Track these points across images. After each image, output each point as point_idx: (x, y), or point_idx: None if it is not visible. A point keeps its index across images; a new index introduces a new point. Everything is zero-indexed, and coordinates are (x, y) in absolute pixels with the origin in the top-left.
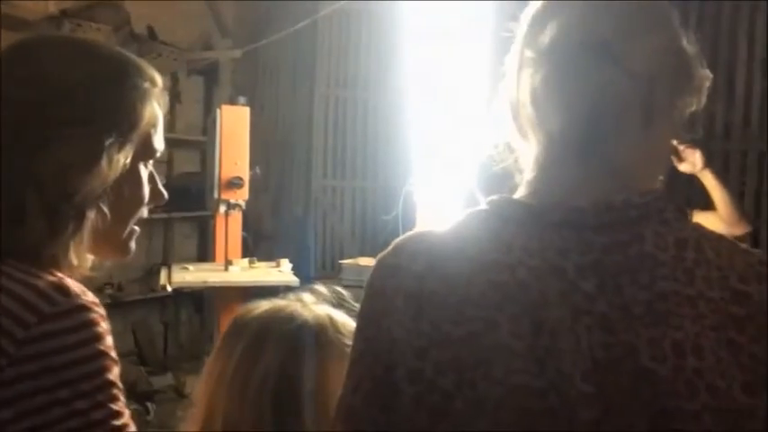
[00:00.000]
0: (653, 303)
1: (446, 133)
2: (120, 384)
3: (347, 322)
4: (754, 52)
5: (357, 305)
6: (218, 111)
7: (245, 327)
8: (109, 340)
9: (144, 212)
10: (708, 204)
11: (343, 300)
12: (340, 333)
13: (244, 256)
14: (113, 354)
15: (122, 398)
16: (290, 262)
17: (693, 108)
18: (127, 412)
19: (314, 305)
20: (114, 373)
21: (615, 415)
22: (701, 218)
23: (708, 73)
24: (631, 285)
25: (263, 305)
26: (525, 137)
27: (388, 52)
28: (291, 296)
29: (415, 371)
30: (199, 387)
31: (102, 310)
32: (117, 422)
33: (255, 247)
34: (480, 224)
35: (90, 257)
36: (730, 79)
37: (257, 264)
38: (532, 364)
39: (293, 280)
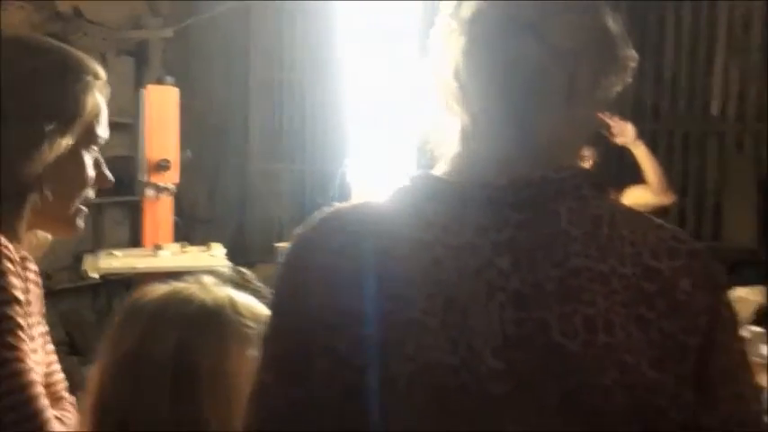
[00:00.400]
0: (565, 280)
1: (382, 115)
2: (20, 321)
3: (250, 304)
4: (681, 37)
5: (265, 286)
6: (142, 91)
7: (140, 310)
8: (11, 280)
9: (90, 194)
10: (637, 180)
11: (248, 281)
12: (240, 315)
13: (176, 240)
14: (16, 293)
15: (22, 334)
16: (227, 246)
17: (618, 87)
18: (25, 347)
19: (214, 287)
20: (14, 310)
21: (526, 390)
22: (633, 191)
23: (633, 53)
24: (545, 262)
25: (161, 288)
26: (450, 111)
27: (324, 34)
28: (191, 279)
29: (329, 347)
30: (92, 373)
31: (11, 254)
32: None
33: (191, 231)
34: (400, 201)
35: (38, 234)
36: (658, 63)
37: (189, 248)
38: (445, 341)
39: (224, 264)
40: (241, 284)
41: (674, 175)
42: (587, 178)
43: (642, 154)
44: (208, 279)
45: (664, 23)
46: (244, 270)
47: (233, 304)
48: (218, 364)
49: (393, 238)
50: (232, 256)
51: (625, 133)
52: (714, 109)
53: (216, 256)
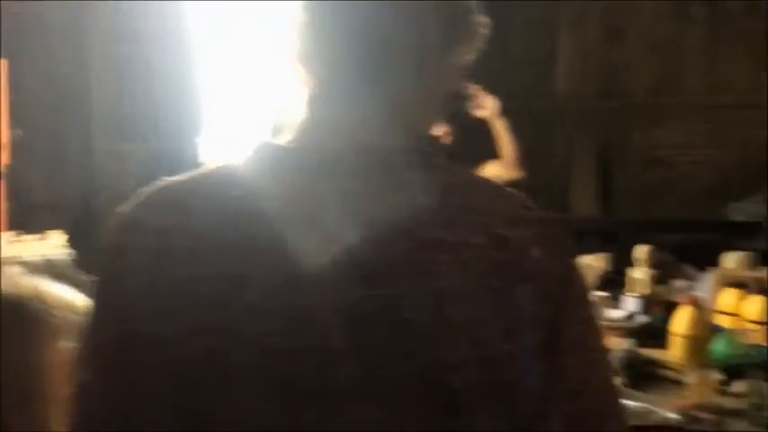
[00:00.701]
0: (416, 252)
1: (235, 87)
2: None
3: (61, 294)
4: (526, 15)
5: (82, 274)
6: None
7: None
8: None
9: None
10: (488, 155)
11: (62, 270)
12: (47, 305)
13: (12, 228)
14: None
15: None
16: (73, 233)
17: (470, 55)
18: None
19: (18, 277)
20: None
21: (378, 372)
22: (487, 166)
23: (484, 19)
24: (394, 234)
25: None
26: (299, 77)
27: (168, 3)
28: None
29: (155, 338)
30: None
31: None
32: None
33: (28, 218)
34: (237, 172)
35: None
36: (503, 40)
37: (23, 237)
38: (286, 324)
39: (61, 253)
40: (55, 274)
41: (522, 150)
42: (439, 147)
43: (500, 129)
44: (13, 270)
45: (509, 1)
46: (59, 258)
47: (39, 295)
48: (21, 356)
49: (225, 213)
50: (78, 242)
51: (487, 106)
52: (558, 86)
53: (53, 244)
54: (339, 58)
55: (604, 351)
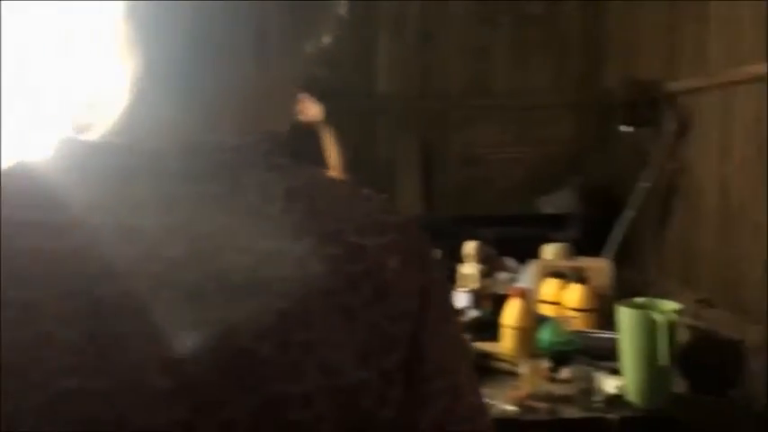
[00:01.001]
0: (254, 268)
1: (36, 80)
2: None
3: None
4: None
5: None
6: None
7: None
8: None
9: None
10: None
11: None
12: None
13: None
14: None
15: None
16: None
17: (320, 42)
18: None
19: None
20: None
21: (208, 412)
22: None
23: (340, 10)
24: (228, 248)
25: None
26: (118, 62)
27: None
28: None
29: None
30: None
31: None
32: None
33: None
34: (33, 174)
35: None
36: (367, 44)
37: None
38: (90, 358)
39: None
40: None
41: (349, 152)
42: (280, 145)
43: (327, 134)
44: None
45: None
46: None
47: None
48: None
49: (13, 224)
50: None
51: (311, 112)
52: (380, 87)
53: None
54: (164, 43)
55: (471, 373)
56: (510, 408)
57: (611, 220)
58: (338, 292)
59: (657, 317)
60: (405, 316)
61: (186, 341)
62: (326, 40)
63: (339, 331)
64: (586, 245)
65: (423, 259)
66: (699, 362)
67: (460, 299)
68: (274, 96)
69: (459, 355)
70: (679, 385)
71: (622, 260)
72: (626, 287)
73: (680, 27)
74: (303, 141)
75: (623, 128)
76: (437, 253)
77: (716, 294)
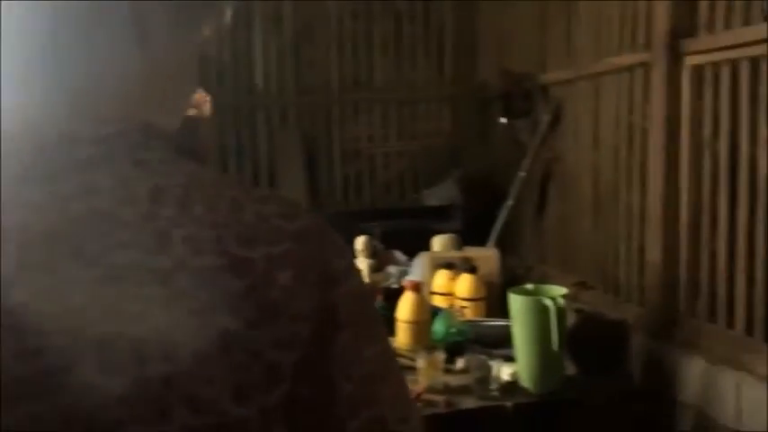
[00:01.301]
0: (103, 285)
1: None
2: None
3: None
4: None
5: None
6: None
7: None
8: None
9: None
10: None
11: None
12: None
13: None
14: None
15: None
16: None
17: (204, 30)
18: None
19: None
20: None
21: None
22: None
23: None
24: (74, 260)
25: None
26: None
27: None
28: None
29: None
30: None
31: None
32: None
33: None
34: None
35: None
36: (245, 41)
37: None
38: None
39: None
40: None
41: (229, 149)
42: (150, 136)
43: (206, 128)
44: None
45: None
46: None
47: None
48: None
49: None
50: None
51: (202, 106)
52: (258, 84)
53: None
54: (26, 24)
55: (402, 401)
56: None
57: (492, 210)
58: (213, 313)
59: (548, 302)
60: (294, 342)
61: (10, 379)
62: (209, 31)
63: (215, 360)
64: (470, 235)
65: (326, 272)
66: (586, 344)
67: None
68: (156, 86)
69: (380, 379)
70: (569, 368)
71: (504, 248)
72: (509, 274)
73: (551, 22)
74: (191, 137)
75: (500, 120)
76: (352, 262)
77: (593, 276)
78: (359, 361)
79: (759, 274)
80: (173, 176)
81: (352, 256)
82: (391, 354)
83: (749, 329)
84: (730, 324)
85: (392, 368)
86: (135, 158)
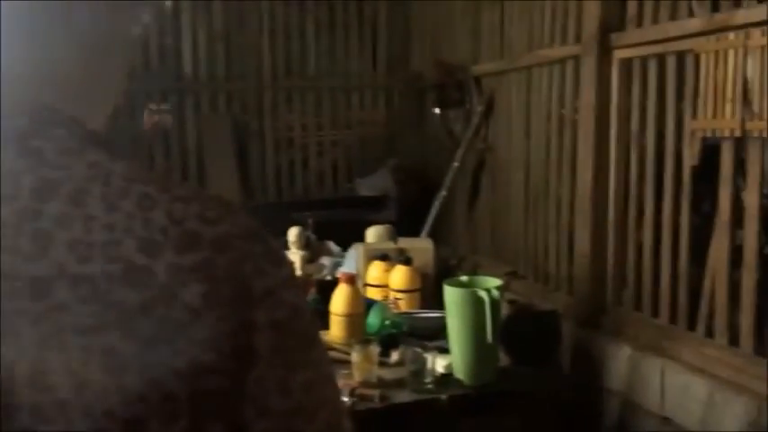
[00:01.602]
0: None
1: None
2: None
3: None
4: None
5: None
6: None
7: None
8: None
9: None
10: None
11: None
12: None
13: None
14: None
15: None
16: None
17: (131, 26)
18: None
19: None
20: None
21: None
22: None
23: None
24: None
25: None
26: None
27: None
28: None
29: None
30: None
31: None
32: None
33: None
34: None
35: None
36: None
37: None
38: None
39: None
40: None
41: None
42: (55, 124)
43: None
44: None
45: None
46: None
47: None
48: None
49: None
50: None
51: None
52: (187, 71)
53: None
54: None
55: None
56: (344, 399)
57: (426, 200)
58: (105, 331)
59: (483, 294)
60: (196, 372)
61: None
62: (142, 18)
63: (102, 386)
64: (403, 226)
65: (244, 290)
66: (519, 335)
67: None
68: (77, 73)
69: (305, 417)
70: (503, 359)
71: (437, 238)
72: (442, 264)
73: (483, 14)
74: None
75: (434, 110)
76: (283, 276)
77: (524, 266)
78: (279, 393)
79: (683, 265)
80: (70, 168)
81: (289, 266)
82: (325, 379)
83: (673, 318)
84: (655, 313)
85: (324, 398)
86: (24, 147)
